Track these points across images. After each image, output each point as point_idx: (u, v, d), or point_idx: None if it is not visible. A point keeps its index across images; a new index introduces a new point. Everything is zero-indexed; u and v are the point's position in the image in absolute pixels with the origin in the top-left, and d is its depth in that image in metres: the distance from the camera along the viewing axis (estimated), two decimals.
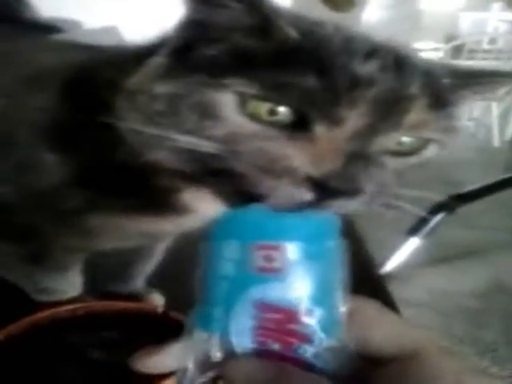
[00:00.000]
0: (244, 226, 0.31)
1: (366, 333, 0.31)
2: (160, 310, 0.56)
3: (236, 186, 0.32)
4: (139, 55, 0.37)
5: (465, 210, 1.83)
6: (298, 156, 0.31)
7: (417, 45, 4.30)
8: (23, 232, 0.49)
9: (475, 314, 1.86)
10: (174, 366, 0.32)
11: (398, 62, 0.34)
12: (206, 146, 0.32)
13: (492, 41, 4.26)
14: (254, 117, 0.32)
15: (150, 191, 0.42)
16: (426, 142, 0.36)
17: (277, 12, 0.33)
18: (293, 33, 0.33)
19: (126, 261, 0.62)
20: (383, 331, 0.31)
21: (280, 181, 0.30)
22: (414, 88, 0.33)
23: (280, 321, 0.29)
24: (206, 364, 0.30)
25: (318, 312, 0.30)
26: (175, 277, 0.62)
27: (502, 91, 0.41)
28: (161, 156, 0.35)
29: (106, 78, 0.39)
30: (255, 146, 0.31)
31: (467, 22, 5.01)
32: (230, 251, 0.30)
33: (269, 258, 0.29)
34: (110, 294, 0.60)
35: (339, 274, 0.31)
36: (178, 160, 0.35)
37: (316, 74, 0.31)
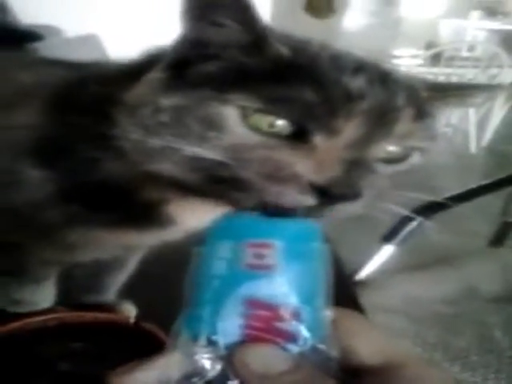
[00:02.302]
0: (236, 227, 0.33)
1: (350, 343, 0.32)
2: (132, 321, 0.56)
3: (241, 193, 0.34)
4: (133, 70, 0.39)
5: (438, 215, 1.86)
6: (300, 164, 0.33)
7: (396, 52, 4.35)
8: (0, 246, 0.49)
9: (448, 321, 1.88)
10: (155, 381, 0.32)
11: (383, 77, 0.36)
12: (212, 155, 0.33)
13: (471, 48, 4.32)
14: (255, 128, 0.34)
15: (135, 205, 0.43)
16: (411, 150, 0.38)
17: (269, 31, 0.35)
18: (285, 50, 0.35)
19: (100, 271, 0.63)
20: (367, 342, 0.32)
21: (285, 187, 0.32)
22: (400, 100, 0.36)
23: (267, 318, 0.30)
24: (192, 370, 0.31)
25: (304, 311, 0.31)
26: (148, 288, 0.63)
27: (473, 101, 0.43)
28: (163, 166, 0.37)
29: (98, 92, 0.41)
30: (259, 155, 0.33)
31: (447, 30, 5.07)
32: (222, 250, 0.31)
33: (260, 255, 0.31)
34: (82, 305, 0.60)
35: (324, 276, 0.33)
36: (182, 170, 0.36)
37: (312, 88, 0.33)
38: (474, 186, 2.14)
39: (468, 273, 2.18)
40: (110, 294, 0.64)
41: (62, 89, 0.44)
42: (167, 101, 0.36)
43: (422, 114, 0.37)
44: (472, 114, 3.96)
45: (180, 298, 0.65)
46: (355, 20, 4.88)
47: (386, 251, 1.99)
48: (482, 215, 2.49)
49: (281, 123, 0.33)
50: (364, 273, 2.00)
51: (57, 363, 0.51)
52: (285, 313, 0.30)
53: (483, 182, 2.19)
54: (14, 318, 0.53)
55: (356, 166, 0.34)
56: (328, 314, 0.32)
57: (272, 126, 0.33)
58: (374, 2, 5.07)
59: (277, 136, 0.34)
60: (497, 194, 2.24)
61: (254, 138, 0.34)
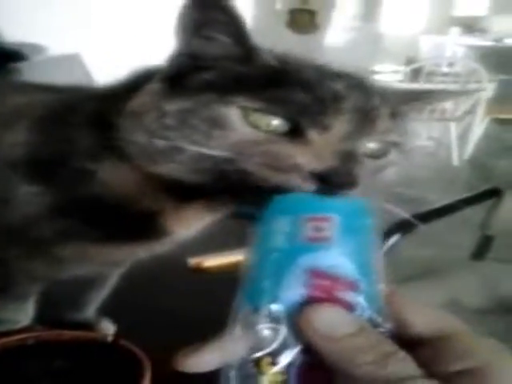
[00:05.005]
0: (293, 204, 0.34)
1: (403, 316, 0.32)
2: (110, 338, 0.57)
3: (246, 185, 0.36)
4: (128, 86, 0.42)
5: (421, 228, 1.88)
6: (300, 155, 0.36)
7: (377, 67, 4.41)
8: None
9: None
10: (220, 360, 0.32)
11: (358, 82, 0.40)
12: (218, 152, 0.36)
13: (450, 64, 4.40)
14: (256, 127, 0.37)
15: (130, 217, 0.44)
16: (389, 146, 0.41)
17: (257, 44, 0.39)
18: (273, 61, 0.39)
19: (81, 288, 0.63)
20: (420, 315, 0.33)
21: (288, 175, 0.35)
22: (377, 101, 0.39)
23: (328, 288, 0.31)
24: (254, 342, 0.31)
25: (362, 282, 0.31)
26: (126, 305, 0.63)
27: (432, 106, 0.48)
28: (168, 167, 0.39)
29: (96, 108, 0.44)
30: (262, 149, 0.36)
31: (427, 46, 5.16)
32: (282, 225, 0.32)
33: (319, 228, 0.32)
34: (60, 322, 0.60)
35: (376, 251, 0.33)
36: (186, 170, 0.38)
37: (302, 90, 0.36)
38: (456, 199, 2.16)
39: (451, 285, 2.19)
40: (90, 310, 0.64)
41: (54, 108, 0.46)
42: (172, 105, 0.38)
43: (395, 112, 0.41)
44: (453, 128, 4.02)
45: (158, 314, 0.66)
46: (337, 36, 4.95)
47: None
48: (465, 228, 2.52)
49: (277, 122, 0.37)
50: None
51: (37, 382, 0.52)
52: (344, 283, 0.31)
53: (465, 196, 2.22)
54: None
55: (350, 158, 0.37)
56: (382, 287, 0.32)
57: (269, 125, 0.37)
58: (356, 19, 5.15)
59: (275, 133, 0.37)
60: (479, 206, 2.27)
61: (256, 134, 0.37)
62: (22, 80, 0.61)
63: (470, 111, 4.09)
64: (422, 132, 3.93)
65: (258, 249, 0.33)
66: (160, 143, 0.38)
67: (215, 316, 0.32)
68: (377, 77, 4.06)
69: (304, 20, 4.72)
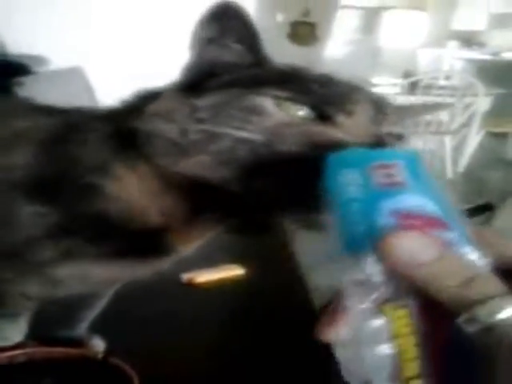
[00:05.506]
0: (354, 157, 0.33)
1: (500, 250, 0.32)
2: (100, 355, 0.58)
3: (279, 169, 0.37)
4: (139, 102, 0.45)
5: None
6: (336, 132, 0.38)
7: (375, 80, 4.44)
8: None
9: None
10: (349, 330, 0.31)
11: (355, 86, 0.43)
12: (255, 137, 0.38)
13: (447, 77, 4.42)
14: (288, 113, 0.39)
15: (136, 234, 0.44)
16: (394, 138, 0.43)
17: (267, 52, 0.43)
18: (282, 66, 0.43)
19: (74, 306, 0.63)
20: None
21: (325, 150, 0.35)
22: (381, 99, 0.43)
23: (420, 227, 0.29)
24: (370, 292, 0.29)
25: (450, 221, 0.30)
26: (116, 322, 0.64)
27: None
28: (196, 163, 0.40)
29: (99, 125, 0.45)
30: (298, 130, 0.38)
31: (425, 59, 5.20)
32: (350, 178, 0.31)
33: (389, 175, 0.31)
34: (51, 338, 0.60)
35: (448, 193, 0.32)
36: (213, 164, 0.39)
37: (318, 84, 0.40)
38: None
39: None
40: (82, 327, 0.64)
41: (56, 130, 0.47)
42: (203, 101, 0.40)
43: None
44: (448, 141, 4.04)
45: (146, 331, 0.66)
46: (337, 49, 4.99)
47: None
48: None
49: (303, 112, 0.39)
50: None
51: None
52: (435, 221, 0.29)
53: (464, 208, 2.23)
54: None
55: (380, 140, 0.39)
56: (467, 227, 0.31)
57: (297, 114, 0.39)
58: (355, 32, 5.19)
59: (306, 119, 0.39)
60: (472, 220, 2.28)
61: (290, 118, 0.39)
62: (25, 101, 0.61)
63: (466, 124, 4.12)
64: (417, 145, 3.95)
65: (333, 203, 0.32)
66: (196, 134, 0.39)
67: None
68: (375, 89, 4.08)
69: (305, 32, 4.76)
